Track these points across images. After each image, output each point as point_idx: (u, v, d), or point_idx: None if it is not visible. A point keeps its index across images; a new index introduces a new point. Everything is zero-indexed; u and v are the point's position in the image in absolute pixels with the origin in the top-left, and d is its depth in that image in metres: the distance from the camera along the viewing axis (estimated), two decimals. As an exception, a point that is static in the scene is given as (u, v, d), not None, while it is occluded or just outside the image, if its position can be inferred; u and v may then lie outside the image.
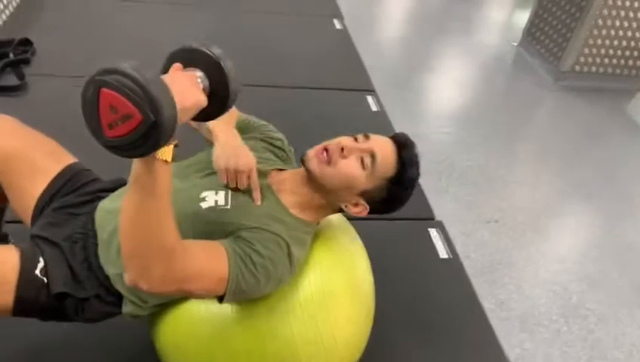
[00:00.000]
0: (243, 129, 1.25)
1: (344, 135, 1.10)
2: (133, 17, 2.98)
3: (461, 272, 1.79)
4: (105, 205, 1.12)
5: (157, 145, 0.73)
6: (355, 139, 1.08)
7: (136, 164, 0.78)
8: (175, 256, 0.85)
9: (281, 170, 1.19)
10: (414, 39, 3.68)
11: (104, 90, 0.69)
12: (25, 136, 1.21)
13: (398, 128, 2.45)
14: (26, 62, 2.42)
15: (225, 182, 1.06)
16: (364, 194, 1.08)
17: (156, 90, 0.69)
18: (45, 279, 1.02)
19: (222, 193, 1.05)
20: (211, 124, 1.09)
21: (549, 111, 3.12)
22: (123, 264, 0.86)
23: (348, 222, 1.31)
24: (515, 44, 3.79)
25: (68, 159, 1.23)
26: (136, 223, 0.81)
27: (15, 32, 2.59)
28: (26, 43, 2.52)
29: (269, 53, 2.92)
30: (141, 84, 0.68)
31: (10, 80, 2.28)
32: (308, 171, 1.07)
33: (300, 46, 3.07)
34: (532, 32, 3.66)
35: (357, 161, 1.06)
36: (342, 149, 1.05)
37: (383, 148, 1.08)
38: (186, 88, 0.77)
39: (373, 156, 1.06)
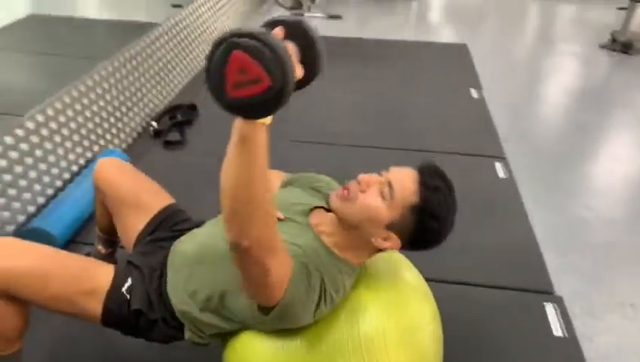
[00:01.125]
0: (288, 183, 1.37)
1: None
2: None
3: (577, 354, 1.62)
4: (181, 241, 1.29)
5: (275, 110, 0.76)
6: (379, 175, 1.11)
7: (240, 127, 0.81)
8: (270, 219, 0.90)
9: (328, 210, 1.21)
10: (564, 113, 3.50)
11: (236, 52, 0.72)
12: (134, 179, 1.45)
13: (527, 197, 2.34)
14: (190, 123, 2.87)
15: None
16: (392, 227, 1.08)
17: (287, 60, 0.72)
18: (129, 296, 1.19)
19: None
20: None
21: None
22: (224, 225, 0.89)
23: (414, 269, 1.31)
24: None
25: (167, 199, 1.45)
26: (241, 181, 0.84)
27: (186, 99, 3.09)
28: (193, 108, 2.99)
29: (404, 118, 3.06)
30: (278, 54, 0.71)
31: (175, 136, 2.73)
32: (333, 210, 1.12)
33: (434, 112, 3.15)
34: None
35: (376, 193, 1.08)
36: (359, 183, 1.09)
37: (402, 176, 1.09)
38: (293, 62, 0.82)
39: (390, 185, 1.07)
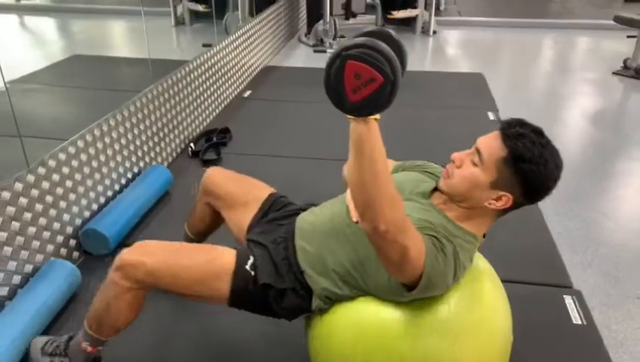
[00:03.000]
0: (400, 168, 1.48)
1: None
2: (311, 115, 3.56)
3: (596, 340, 1.71)
4: (304, 216, 1.41)
5: (391, 101, 0.88)
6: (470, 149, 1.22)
7: (357, 128, 0.93)
8: (398, 202, 0.99)
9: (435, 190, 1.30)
10: (579, 132, 3.63)
11: (350, 62, 0.86)
12: (240, 180, 1.65)
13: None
14: (224, 144, 3.08)
15: None
16: (497, 185, 1.15)
17: (392, 56, 0.86)
18: (253, 272, 1.28)
19: None
20: None
21: None
22: (359, 216, 0.99)
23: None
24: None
25: (269, 189, 1.62)
26: (367, 176, 0.94)
27: (220, 124, 3.32)
28: (226, 131, 3.21)
29: (424, 137, 3.25)
30: (385, 54, 0.85)
31: (211, 155, 2.95)
32: (442, 192, 1.25)
33: (451, 131, 3.32)
34: None
35: (469, 163, 1.19)
36: (454, 161, 1.22)
37: (487, 140, 1.18)
38: None
39: (478, 151, 1.17)
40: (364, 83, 0.87)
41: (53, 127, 2.59)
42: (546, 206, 2.46)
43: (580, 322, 1.78)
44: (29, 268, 1.80)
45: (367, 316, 1.23)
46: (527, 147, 1.12)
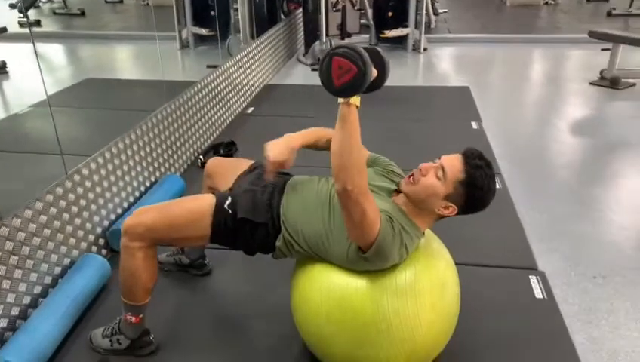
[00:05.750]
0: (370, 162, 1.76)
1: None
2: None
3: (554, 311, 1.99)
4: (297, 179, 1.72)
5: (362, 87, 1.22)
6: (434, 162, 1.52)
7: (342, 109, 1.27)
8: (364, 172, 1.33)
9: (398, 191, 1.60)
10: (557, 134, 3.92)
11: (335, 57, 1.21)
12: (229, 160, 2.12)
13: (519, 202, 2.76)
14: (230, 155, 3.40)
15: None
16: (449, 198, 1.47)
17: (364, 54, 1.21)
18: (230, 210, 1.59)
19: None
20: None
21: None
22: (334, 176, 1.30)
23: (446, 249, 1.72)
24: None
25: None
26: (346, 146, 1.28)
27: (226, 137, 3.65)
28: (232, 144, 3.53)
29: (408, 142, 3.57)
30: (358, 52, 1.21)
31: (219, 166, 3.26)
32: (403, 193, 1.55)
33: (436, 141, 3.63)
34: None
35: (433, 175, 1.48)
36: (420, 170, 1.51)
37: (451, 161, 1.48)
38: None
39: (443, 168, 1.47)
40: (345, 72, 1.21)
41: (76, 145, 2.91)
42: (519, 201, 2.77)
43: (541, 296, 2.06)
44: (67, 261, 2.10)
45: (334, 282, 1.54)
46: (481, 177, 1.45)
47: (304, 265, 1.64)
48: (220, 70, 3.90)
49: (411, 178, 1.53)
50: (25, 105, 4.06)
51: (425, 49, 6.44)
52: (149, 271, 1.65)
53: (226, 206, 1.62)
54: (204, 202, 1.65)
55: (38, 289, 1.94)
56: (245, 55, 4.53)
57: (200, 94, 3.48)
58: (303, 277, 1.63)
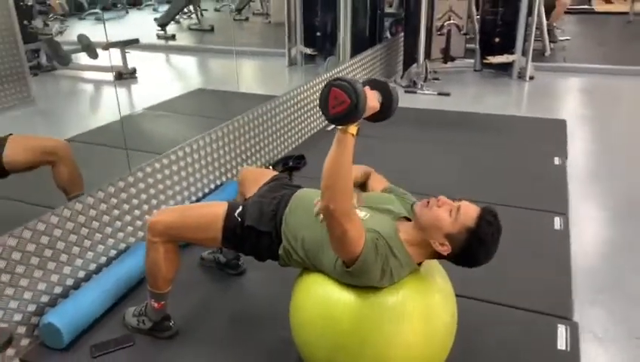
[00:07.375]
0: (389, 190, 1.86)
1: None
2: (393, 150, 3.92)
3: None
4: (304, 191, 1.84)
5: (355, 119, 1.33)
6: (454, 201, 1.56)
7: (339, 134, 1.37)
8: (349, 195, 1.43)
9: (409, 219, 1.66)
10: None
11: (333, 88, 1.32)
12: (259, 169, 2.33)
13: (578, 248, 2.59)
14: (298, 169, 3.58)
15: None
16: (449, 238, 1.49)
17: (359, 89, 1.30)
18: (240, 219, 1.74)
19: (363, 212, 1.65)
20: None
21: None
22: (321, 193, 1.41)
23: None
24: None
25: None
26: (335, 168, 1.38)
27: (301, 152, 3.85)
28: (302, 158, 3.71)
29: (481, 174, 3.48)
30: (353, 86, 1.30)
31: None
32: (413, 213, 1.60)
33: (510, 171, 3.52)
34: None
35: (447, 210, 1.51)
36: (438, 200, 1.55)
37: (469, 208, 1.51)
38: (371, 98, 1.43)
39: (458, 210, 1.50)
40: (339, 103, 1.32)
41: (164, 144, 3.28)
42: (581, 246, 2.59)
43: (564, 348, 1.93)
44: (122, 245, 2.41)
45: (320, 291, 1.61)
46: (488, 234, 1.48)
47: (301, 275, 1.74)
48: (306, 86, 4.11)
49: (427, 202, 1.57)
50: (140, 108, 4.65)
51: (532, 77, 6.14)
52: (169, 264, 1.86)
53: (236, 214, 1.78)
54: (218, 209, 1.83)
55: (92, 267, 2.25)
56: (336, 73, 4.70)
57: (281, 107, 3.72)
58: (298, 285, 1.72)
